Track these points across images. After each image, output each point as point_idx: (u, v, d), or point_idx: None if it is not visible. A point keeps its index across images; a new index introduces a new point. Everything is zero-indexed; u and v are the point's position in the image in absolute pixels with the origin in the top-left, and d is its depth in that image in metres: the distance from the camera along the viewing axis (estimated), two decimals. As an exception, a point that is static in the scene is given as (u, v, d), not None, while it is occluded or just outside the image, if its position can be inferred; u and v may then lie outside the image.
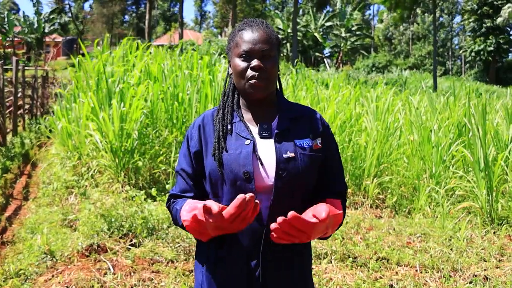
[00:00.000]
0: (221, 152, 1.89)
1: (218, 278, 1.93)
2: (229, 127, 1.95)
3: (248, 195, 1.63)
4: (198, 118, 2.05)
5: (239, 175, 1.85)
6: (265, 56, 1.90)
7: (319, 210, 1.74)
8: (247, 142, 1.89)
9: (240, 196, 1.63)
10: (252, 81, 1.88)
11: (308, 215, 1.75)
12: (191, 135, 2.02)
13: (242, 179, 1.84)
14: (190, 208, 1.85)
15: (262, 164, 1.87)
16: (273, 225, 1.69)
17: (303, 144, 1.92)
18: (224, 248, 1.91)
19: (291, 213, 1.65)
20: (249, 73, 1.89)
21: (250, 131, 1.93)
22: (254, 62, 1.88)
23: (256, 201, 1.68)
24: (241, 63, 1.90)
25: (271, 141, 1.91)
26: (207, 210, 1.67)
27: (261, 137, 1.92)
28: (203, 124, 2.01)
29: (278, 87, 2.10)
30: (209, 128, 1.99)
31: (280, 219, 1.66)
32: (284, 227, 1.68)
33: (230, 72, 2.03)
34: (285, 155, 1.87)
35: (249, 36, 1.92)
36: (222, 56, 12.01)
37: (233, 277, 1.91)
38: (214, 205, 1.66)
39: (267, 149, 1.90)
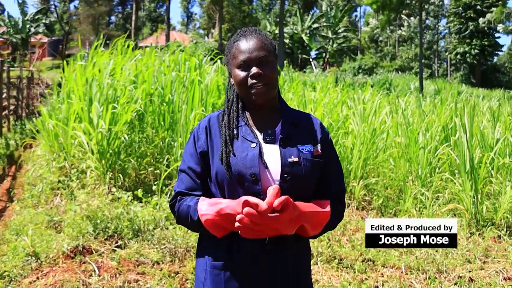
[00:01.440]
0: (228, 156, 1.95)
1: (224, 275, 1.97)
2: (235, 131, 2.01)
3: (276, 185, 1.84)
4: (203, 120, 2.11)
5: (246, 176, 1.92)
6: (262, 63, 1.97)
7: (275, 201, 1.81)
8: (253, 145, 1.97)
9: (276, 187, 1.82)
10: (253, 89, 1.95)
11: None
12: (198, 136, 2.07)
13: (249, 180, 1.92)
14: (209, 203, 1.92)
15: (267, 167, 1.94)
16: (236, 223, 1.82)
17: (305, 149, 2.00)
18: (232, 247, 1.96)
19: (246, 209, 1.78)
20: (250, 81, 1.95)
21: (256, 135, 2.00)
22: (253, 70, 1.94)
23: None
24: (240, 73, 1.97)
25: (276, 146, 1.99)
26: (249, 205, 1.79)
27: (265, 142, 1.99)
28: (209, 125, 2.07)
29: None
30: (214, 130, 2.05)
31: (238, 216, 1.79)
32: (246, 223, 1.79)
33: (232, 83, 2.09)
34: (289, 159, 1.95)
35: (244, 46, 1.98)
36: (210, 58, 11.99)
37: (240, 274, 1.96)
38: (261, 202, 1.78)
39: (272, 153, 1.97)
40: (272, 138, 1.99)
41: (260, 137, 2.01)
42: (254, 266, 1.94)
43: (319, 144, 2.04)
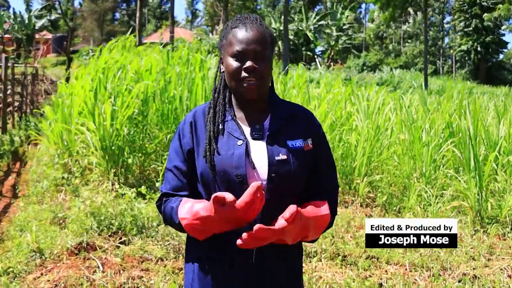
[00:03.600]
0: (212, 154, 1.86)
1: (210, 277, 1.91)
2: (220, 126, 1.92)
3: (258, 183, 1.68)
4: (189, 114, 2.02)
5: (231, 177, 1.84)
6: (258, 57, 1.87)
7: (285, 213, 1.75)
8: (240, 142, 1.87)
9: (255, 184, 1.66)
10: (245, 83, 1.85)
11: (279, 221, 1.76)
12: (183, 133, 1.98)
13: (235, 182, 1.83)
14: (189, 207, 1.83)
15: (254, 167, 1.85)
16: (239, 241, 1.74)
17: (295, 145, 1.91)
18: (217, 248, 1.89)
19: (256, 226, 1.69)
20: (243, 74, 1.86)
21: (243, 131, 1.90)
22: (248, 63, 1.85)
23: (263, 191, 1.71)
24: (234, 63, 1.87)
25: (263, 143, 1.90)
26: (219, 200, 1.68)
27: (253, 138, 1.90)
28: (194, 120, 1.98)
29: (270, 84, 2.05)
30: (200, 125, 1.96)
31: (244, 235, 1.71)
32: (250, 239, 1.72)
33: (222, 70, 1.98)
34: (277, 158, 1.86)
35: (242, 35, 1.88)
36: (214, 55, 11.97)
37: (225, 276, 1.90)
38: (227, 194, 1.68)
39: (259, 151, 1.88)
40: (260, 134, 1.90)
41: (247, 132, 1.91)
42: (241, 274, 1.89)
43: (310, 139, 1.95)
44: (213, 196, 1.69)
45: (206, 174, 1.88)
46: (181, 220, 1.84)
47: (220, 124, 1.93)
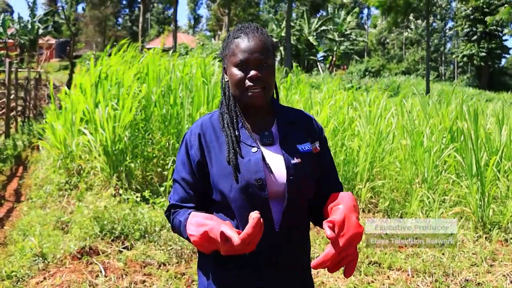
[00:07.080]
0: (237, 158, 1.88)
1: (229, 280, 1.93)
2: (236, 132, 1.94)
3: (257, 213, 1.68)
4: (195, 125, 2.02)
5: (251, 182, 1.85)
6: (261, 65, 1.89)
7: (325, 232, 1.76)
8: (254, 149, 1.90)
9: (255, 217, 1.66)
10: (250, 92, 1.88)
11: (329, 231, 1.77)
12: (191, 144, 1.97)
13: (255, 186, 1.85)
14: (197, 223, 1.81)
15: (271, 171, 1.88)
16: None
17: (304, 149, 1.95)
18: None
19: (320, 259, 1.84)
20: (247, 83, 1.88)
21: (255, 139, 1.93)
22: (252, 72, 1.87)
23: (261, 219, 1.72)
24: (238, 73, 1.89)
25: (276, 147, 1.94)
26: (225, 238, 1.68)
27: (263, 145, 1.93)
28: (203, 131, 1.98)
29: (274, 92, 2.09)
30: (209, 135, 1.97)
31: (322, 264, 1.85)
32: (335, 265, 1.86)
33: (226, 79, 2.00)
34: (293, 161, 1.90)
35: (245, 45, 1.90)
36: (217, 60, 11.98)
37: (246, 280, 1.92)
38: (235, 237, 1.67)
39: (274, 156, 1.91)
40: (271, 140, 1.94)
41: (257, 139, 1.94)
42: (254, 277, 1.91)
43: (317, 142, 2.00)
44: (220, 231, 1.69)
45: (222, 183, 1.89)
46: (190, 236, 1.83)
47: (236, 131, 1.94)
